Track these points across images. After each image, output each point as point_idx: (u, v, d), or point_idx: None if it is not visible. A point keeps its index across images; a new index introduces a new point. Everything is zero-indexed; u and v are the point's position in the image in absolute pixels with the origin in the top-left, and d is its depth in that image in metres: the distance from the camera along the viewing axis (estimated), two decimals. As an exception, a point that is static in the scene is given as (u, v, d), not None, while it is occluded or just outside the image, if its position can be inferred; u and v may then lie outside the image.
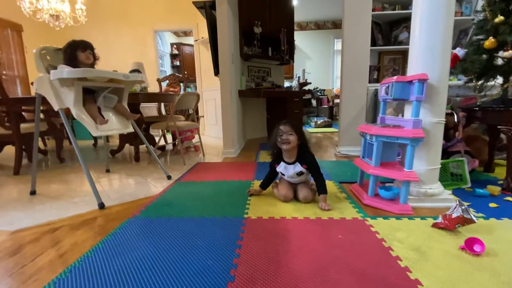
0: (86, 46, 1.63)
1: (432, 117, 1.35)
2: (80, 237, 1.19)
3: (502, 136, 1.96)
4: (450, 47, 1.33)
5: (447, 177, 1.69)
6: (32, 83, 1.63)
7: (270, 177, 1.62)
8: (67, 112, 1.59)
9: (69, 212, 1.47)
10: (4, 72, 4.15)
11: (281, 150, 1.47)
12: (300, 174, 1.46)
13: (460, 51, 1.75)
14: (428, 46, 1.32)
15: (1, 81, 2.14)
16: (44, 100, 1.61)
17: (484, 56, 1.66)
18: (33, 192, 1.76)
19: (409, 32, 2.71)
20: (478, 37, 1.70)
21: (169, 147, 3.54)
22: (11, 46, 4.31)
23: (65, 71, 1.42)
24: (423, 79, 1.25)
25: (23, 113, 2.88)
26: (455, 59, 1.73)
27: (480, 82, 1.74)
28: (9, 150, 2.79)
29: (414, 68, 1.38)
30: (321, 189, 1.44)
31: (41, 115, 2.73)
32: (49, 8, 3.49)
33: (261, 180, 1.65)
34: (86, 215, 1.43)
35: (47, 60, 1.66)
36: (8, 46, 4.27)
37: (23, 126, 2.36)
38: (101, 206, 1.50)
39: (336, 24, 6.54)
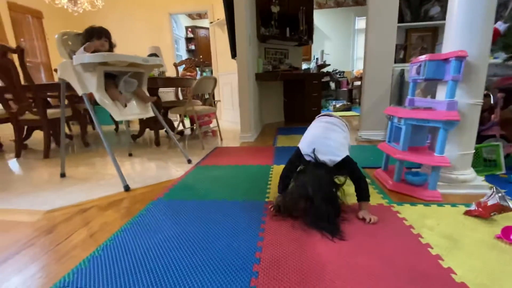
0: (101, 33, 1.63)
1: (468, 98, 1.25)
2: (108, 218, 1.24)
3: (544, 118, 1.80)
4: (493, 19, 1.20)
5: (480, 163, 1.60)
6: (55, 70, 1.66)
7: (288, 179, 1.23)
8: (90, 97, 1.62)
9: (97, 193, 1.53)
10: (28, 59, 4.29)
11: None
12: None
13: (501, 25, 1.59)
14: (468, 20, 1.20)
15: (27, 68, 2.20)
16: (67, 86, 1.65)
17: (530, 29, 1.50)
18: (63, 175, 1.84)
19: (441, 6, 2.50)
20: (524, 8, 1.53)
21: (187, 132, 3.58)
22: (32, 33, 4.42)
23: (87, 55, 1.43)
24: (461, 56, 1.15)
25: (48, 99, 2.99)
26: (495, 34, 1.57)
27: (522, 60, 1.59)
28: (37, 135, 2.93)
29: (451, 43, 1.26)
30: (362, 193, 1.13)
31: (66, 101, 2.82)
32: (67, -7, 3.51)
33: (278, 187, 1.26)
34: (113, 196, 1.49)
35: (68, 45, 1.67)
36: (30, 33, 4.38)
37: (49, 111, 2.45)
38: (127, 188, 1.55)
39: (358, 1, 6.16)
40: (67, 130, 3.76)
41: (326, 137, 1.20)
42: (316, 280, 0.77)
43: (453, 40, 1.25)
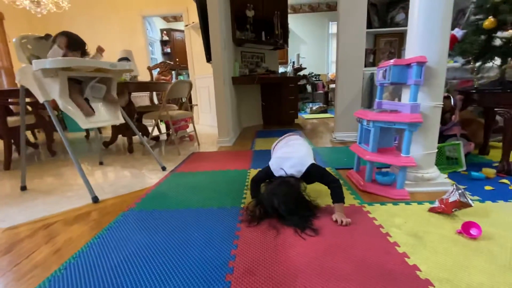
0: (77, 47, 1.58)
1: (430, 101, 1.33)
2: (74, 232, 1.17)
3: (498, 118, 1.95)
4: (450, 27, 1.29)
5: (443, 161, 1.70)
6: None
7: (258, 186, 1.30)
8: (54, 104, 1.53)
9: (63, 207, 1.44)
10: (-13, 63, 3.97)
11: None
12: None
13: (458, 32, 1.70)
14: (427, 27, 1.28)
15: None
16: (30, 92, 1.54)
17: (483, 36, 1.62)
18: (23, 188, 1.71)
19: (406, 13, 2.64)
20: (477, 16, 1.66)
21: (163, 137, 3.49)
22: (-8, 35, 4.10)
23: (48, 60, 1.35)
24: (421, 61, 1.22)
25: (10, 106, 2.78)
26: (453, 40, 1.69)
27: (478, 64, 1.71)
28: (-2, 144, 2.72)
29: (412, 49, 1.34)
30: (336, 196, 1.16)
31: (29, 108, 2.64)
32: (29, -6, 3.31)
33: (250, 193, 1.32)
34: (80, 209, 1.41)
35: (28, 49, 1.57)
36: (-11, 35, 4.06)
37: (10, 119, 2.29)
38: (95, 200, 1.48)
39: (330, 6, 6.36)
40: (32, 139, 3.52)
41: (290, 151, 1.30)
42: (289, 286, 0.77)
43: (414, 46, 1.32)
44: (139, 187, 1.68)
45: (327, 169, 1.81)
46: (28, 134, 3.55)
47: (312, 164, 1.20)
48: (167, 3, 4.55)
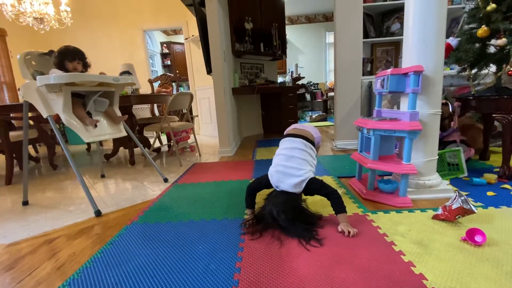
0: (74, 56, 1.59)
1: (428, 108, 1.35)
2: (77, 247, 1.16)
3: (497, 123, 1.97)
4: (444, 36, 1.32)
5: (444, 167, 1.70)
6: (19, 89, 1.56)
7: (254, 195, 1.31)
8: (56, 117, 1.54)
9: (65, 221, 1.44)
10: (-11, 78, 4.03)
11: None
12: None
13: (453, 41, 1.74)
14: (422, 37, 1.31)
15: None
16: (32, 107, 1.56)
17: (477, 44, 1.66)
18: (25, 203, 1.71)
19: (400, 23, 2.70)
20: (470, 25, 1.70)
21: (165, 148, 3.50)
22: (-5, 52, 4.17)
23: (52, 76, 1.37)
24: (418, 71, 1.24)
25: (12, 120, 2.81)
26: (448, 48, 1.72)
27: (473, 71, 1.74)
28: (0, 158, 2.72)
29: (408, 59, 1.36)
30: (337, 206, 1.15)
31: (31, 122, 2.66)
32: (32, 11, 3.38)
33: (245, 202, 1.33)
34: (83, 223, 1.40)
35: (32, 66, 1.60)
36: (-8, 51, 4.13)
37: (12, 134, 2.30)
38: (98, 213, 1.47)
39: (327, 17, 6.50)
40: (33, 153, 3.54)
41: (292, 167, 1.20)
42: (295, 298, 0.77)
43: (410, 55, 1.35)
44: (142, 200, 1.68)
45: (329, 178, 1.82)
46: (29, 148, 3.56)
47: (311, 179, 1.17)
48: (167, 17, 4.66)
